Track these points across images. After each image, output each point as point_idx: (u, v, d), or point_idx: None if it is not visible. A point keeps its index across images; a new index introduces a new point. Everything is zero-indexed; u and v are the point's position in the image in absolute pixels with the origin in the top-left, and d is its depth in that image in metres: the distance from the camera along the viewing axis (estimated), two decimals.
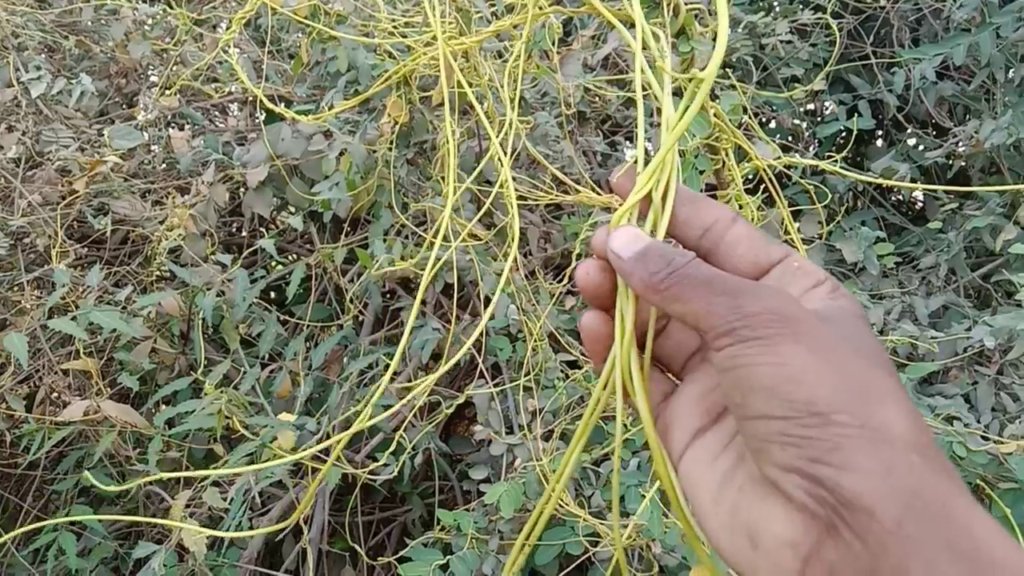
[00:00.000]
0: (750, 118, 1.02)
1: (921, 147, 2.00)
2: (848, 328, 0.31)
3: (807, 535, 0.27)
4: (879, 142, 2.25)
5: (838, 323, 0.31)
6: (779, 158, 0.97)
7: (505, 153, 0.87)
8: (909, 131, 1.98)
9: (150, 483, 1.26)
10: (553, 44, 1.23)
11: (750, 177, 1.17)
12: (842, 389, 0.27)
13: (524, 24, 1.10)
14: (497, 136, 0.87)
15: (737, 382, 0.29)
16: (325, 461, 1.21)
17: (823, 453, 0.26)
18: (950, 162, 1.93)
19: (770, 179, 0.95)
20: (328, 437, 1.20)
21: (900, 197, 2.25)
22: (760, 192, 1.08)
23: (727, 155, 0.91)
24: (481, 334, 1.34)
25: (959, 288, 1.67)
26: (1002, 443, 1.14)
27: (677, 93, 0.40)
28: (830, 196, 1.40)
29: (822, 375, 0.27)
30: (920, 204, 2.26)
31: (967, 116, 1.97)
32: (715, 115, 0.90)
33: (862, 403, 0.27)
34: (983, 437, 1.17)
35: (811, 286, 0.33)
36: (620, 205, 0.37)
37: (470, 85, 1.07)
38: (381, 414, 0.74)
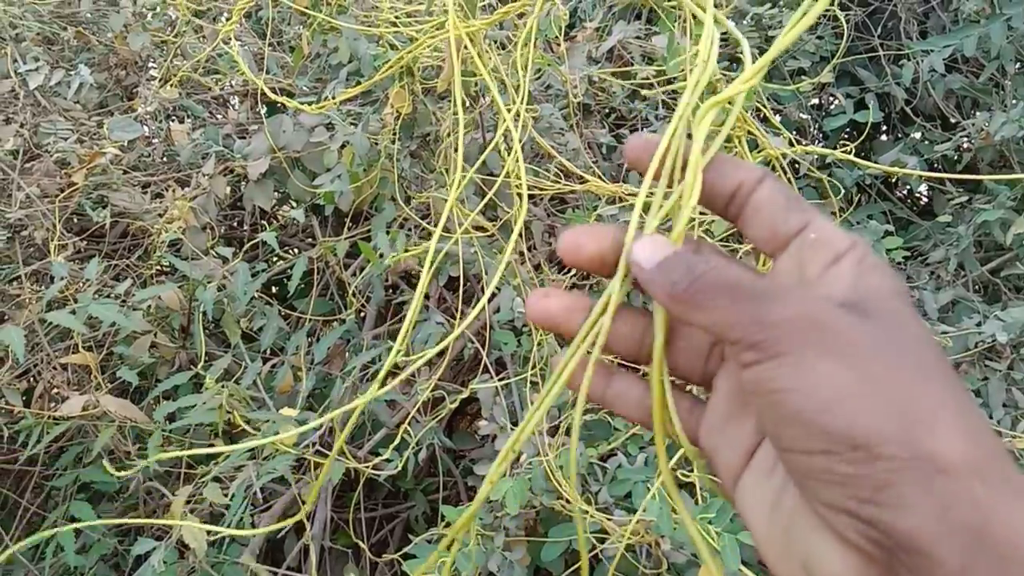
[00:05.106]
0: (763, 107, 1.01)
1: (927, 141, 1.98)
2: (887, 321, 0.27)
3: None
4: (884, 136, 2.23)
5: (876, 316, 0.27)
6: (793, 147, 0.95)
7: (513, 143, 0.85)
8: (915, 125, 1.96)
9: (150, 479, 1.25)
10: (559, 31, 1.21)
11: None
12: (885, 413, 0.24)
13: (529, 11, 1.08)
14: (505, 124, 0.85)
15: (768, 410, 0.26)
16: (327, 456, 1.19)
17: (872, 492, 0.23)
18: (958, 156, 1.91)
19: (783, 168, 0.94)
20: (331, 432, 1.18)
21: (906, 191, 2.24)
22: None
23: (739, 144, 0.89)
24: (485, 328, 1.32)
25: (968, 283, 1.66)
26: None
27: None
28: (842, 190, 1.38)
29: (861, 397, 0.24)
30: (926, 199, 2.24)
31: (974, 110, 1.95)
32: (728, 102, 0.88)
33: (909, 427, 0.24)
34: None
35: (831, 260, 0.29)
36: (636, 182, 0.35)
37: (475, 74, 1.05)
38: (383, 402, 0.72)
